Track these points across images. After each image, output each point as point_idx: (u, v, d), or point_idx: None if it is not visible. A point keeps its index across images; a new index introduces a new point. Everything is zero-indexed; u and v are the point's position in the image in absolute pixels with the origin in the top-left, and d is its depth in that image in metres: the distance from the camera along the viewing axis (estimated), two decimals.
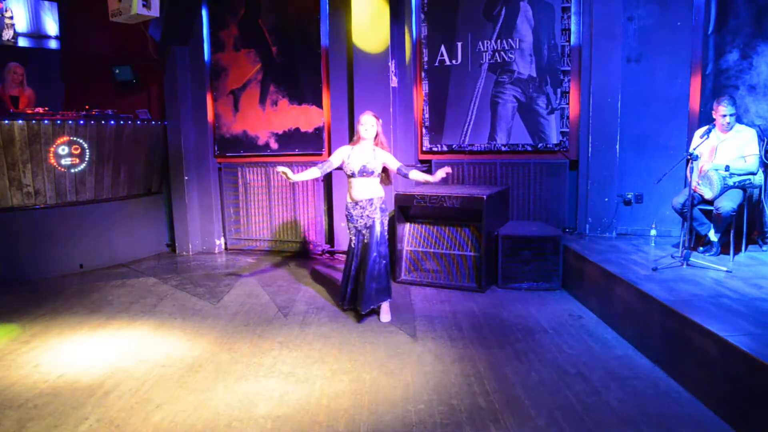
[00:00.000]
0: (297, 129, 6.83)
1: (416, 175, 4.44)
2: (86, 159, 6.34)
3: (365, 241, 4.40)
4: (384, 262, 4.41)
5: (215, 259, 6.93)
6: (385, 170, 4.50)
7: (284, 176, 4.26)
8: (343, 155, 4.42)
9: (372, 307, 4.39)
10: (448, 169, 4.40)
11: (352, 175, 4.37)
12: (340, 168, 4.51)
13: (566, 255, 5.21)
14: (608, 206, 5.67)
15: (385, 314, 4.49)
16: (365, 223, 4.39)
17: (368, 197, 4.37)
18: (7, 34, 6.55)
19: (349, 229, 4.55)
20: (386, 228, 4.48)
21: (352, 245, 4.51)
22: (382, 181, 4.54)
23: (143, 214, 7.16)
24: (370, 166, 4.32)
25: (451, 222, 5.50)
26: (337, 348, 3.96)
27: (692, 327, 3.18)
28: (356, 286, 4.49)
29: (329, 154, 6.69)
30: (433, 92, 6.29)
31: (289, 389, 3.34)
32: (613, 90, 5.54)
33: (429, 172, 6.34)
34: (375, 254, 4.34)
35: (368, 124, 4.34)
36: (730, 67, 5.28)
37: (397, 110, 6.31)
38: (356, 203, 4.40)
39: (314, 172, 4.42)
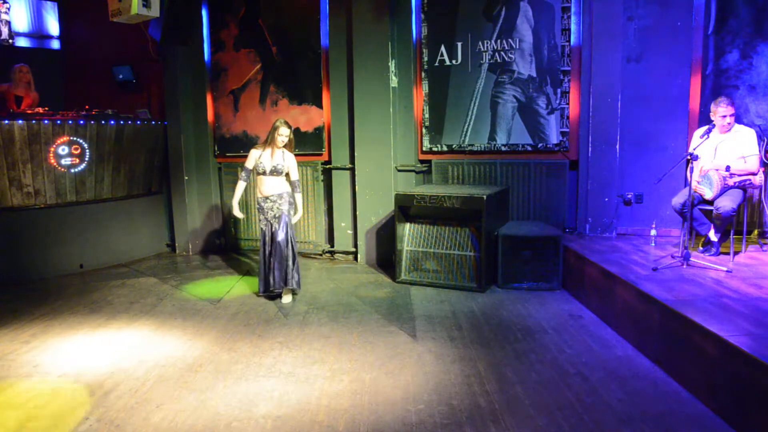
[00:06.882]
0: (297, 129, 6.82)
1: (297, 198, 5.15)
2: (86, 159, 6.34)
3: (274, 229, 4.98)
4: (295, 247, 5.05)
5: (215, 259, 6.93)
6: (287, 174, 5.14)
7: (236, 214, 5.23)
8: (255, 157, 5.02)
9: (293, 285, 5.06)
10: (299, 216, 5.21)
11: (264, 173, 4.98)
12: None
13: (566, 255, 5.21)
14: (608, 206, 5.67)
15: (287, 297, 5.12)
16: (275, 214, 4.98)
17: (278, 192, 5.00)
18: (3, 32, 6.51)
19: (260, 220, 5.08)
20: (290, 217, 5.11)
21: (264, 234, 5.06)
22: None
23: (143, 214, 7.16)
24: (280, 166, 4.98)
25: (451, 222, 5.50)
26: (337, 348, 3.96)
27: (692, 327, 3.18)
28: (270, 271, 5.00)
29: (329, 153, 6.71)
30: (433, 92, 6.29)
31: (289, 389, 3.34)
32: (613, 90, 5.53)
33: (429, 172, 6.40)
34: (283, 237, 4.96)
35: (284, 135, 5.00)
36: (730, 67, 5.28)
37: (397, 110, 6.32)
38: (266, 198, 5.00)
39: (242, 186, 5.13)
